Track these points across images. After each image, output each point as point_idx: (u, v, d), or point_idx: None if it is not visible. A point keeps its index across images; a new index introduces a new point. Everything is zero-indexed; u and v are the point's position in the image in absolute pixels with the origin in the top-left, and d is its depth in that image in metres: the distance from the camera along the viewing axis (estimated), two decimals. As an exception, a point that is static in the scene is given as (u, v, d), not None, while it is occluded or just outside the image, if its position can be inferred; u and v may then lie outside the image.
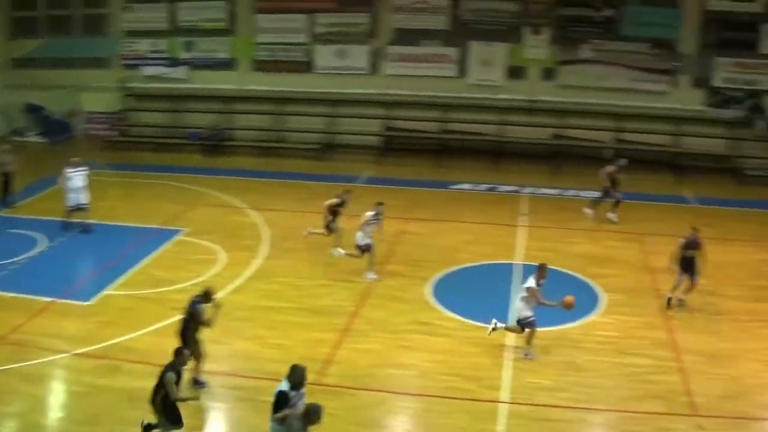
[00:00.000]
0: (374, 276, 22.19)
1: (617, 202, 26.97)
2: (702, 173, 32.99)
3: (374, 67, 36.22)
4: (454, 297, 20.94)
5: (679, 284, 20.66)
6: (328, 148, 35.97)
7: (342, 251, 23.18)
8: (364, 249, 22.11)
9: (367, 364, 17.25)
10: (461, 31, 34.89)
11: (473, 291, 21.58)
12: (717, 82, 33.72)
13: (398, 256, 23.76)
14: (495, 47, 34.72)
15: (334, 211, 23.44)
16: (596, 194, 27.45)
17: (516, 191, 30.29)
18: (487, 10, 34.54)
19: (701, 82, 33.87)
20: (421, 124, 35.82)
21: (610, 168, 26.76)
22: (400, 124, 36.33)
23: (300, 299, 20.73)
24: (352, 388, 15.11)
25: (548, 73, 34.80)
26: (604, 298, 21.21)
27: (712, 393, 16.80)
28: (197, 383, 16.18)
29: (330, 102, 36.53)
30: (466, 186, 30.81)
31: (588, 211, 27.31)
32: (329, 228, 23.48)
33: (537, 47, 34.39)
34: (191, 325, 15.80)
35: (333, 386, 16.34)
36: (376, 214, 22.29)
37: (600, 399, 16.41)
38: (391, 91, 35.79)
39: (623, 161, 27.10)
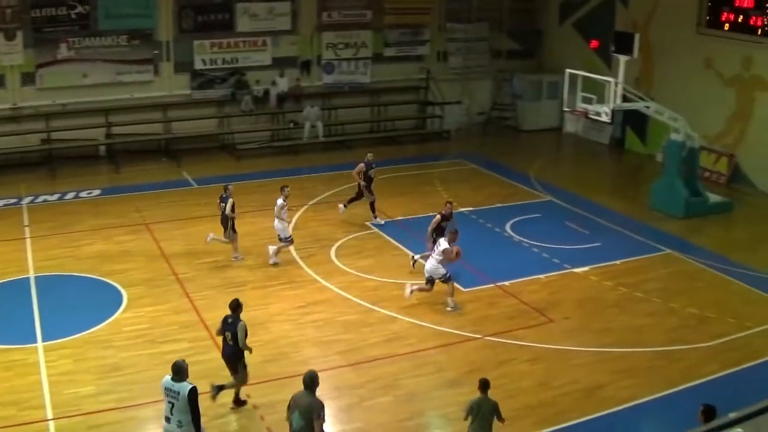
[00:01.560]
0: (277, 260, 23.07)
1: (358, 198, 26.54)
2: (198, 154, 33.54)
3: None
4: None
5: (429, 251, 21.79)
6: None
7: (273, 247, 23.21)
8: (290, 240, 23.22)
9: None
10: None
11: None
12: (199, 64, 34.34)
13: None
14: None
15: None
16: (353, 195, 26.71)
17: (15, 203, 28.50)
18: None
19: (184, 66, 34.29)
20: None
21: (360, 165, 26.15)
22: None
23: None
24: None
25: (28, 78, 32.99)
26: (125, 293, 20.94)
27: (253, 361, 17.22)
28: None
29: None
30: (-41, 208, 28.42)
31: (341, 206, 26.55)
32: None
33: (12, 53, 32.43)
34: None
35: None
36: (286, 198, 22.81)
37: (146, 393, 16.22)
38: None
39: (370, 155, 26.64)
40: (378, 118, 38.42)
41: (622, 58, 27.00)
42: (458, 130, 39.16)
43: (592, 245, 25.00)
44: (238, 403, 16.19)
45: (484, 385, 13.59)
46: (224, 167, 32.41)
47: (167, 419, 13.03)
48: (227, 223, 23.12)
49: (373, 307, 20.43)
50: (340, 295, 21.09)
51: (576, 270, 23.14)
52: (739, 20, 31.05)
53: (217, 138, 35.19)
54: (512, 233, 25.64)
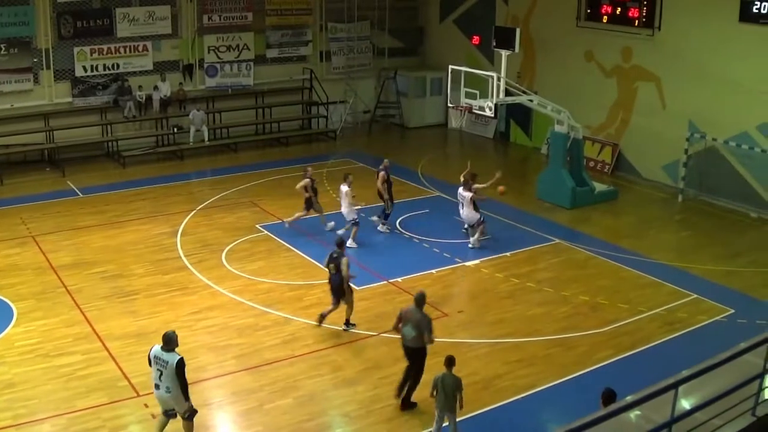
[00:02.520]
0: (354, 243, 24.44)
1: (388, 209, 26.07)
2: (83, 163, 32.85)
3: None
4: None
5: None
6: None
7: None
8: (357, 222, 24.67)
9: None
10: None
11: None
12: (80, 71, 33.58)
13: None
14: None
15: (314, 189, 25.26)
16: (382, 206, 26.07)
17: None
18: None
19: (64, 74, 33.52)
20: None
21: (381, 173, 25.54)
22: None
23: None
24: None
25: None
26: (15, 308, 20.34)
27: (148, 370, 16.76)
28: None
29: None
30: None
31: (378, 221, 26.16)
32: (314, 208, 25.50)
33: None
34: None
35: None
36: (350, 184, 24.48)
37: (42, 408, 15.92)
38: None
39: (387, 161, 26.13)
40: (263, 120, 38.19)
41: (504, 53, 27.45)
42: (344, 130, 39.28)
43: (481, 238, 25.31)
44: (348, 324, 19.32)
45: (449, 361, 14.37)
46: (110, 175, 31.86)
47: (156, 386, 14.20)
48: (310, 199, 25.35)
49: (267, 309, 20.35)
50: (233, 299, 20.95)
51: (467, 263, 23.45)
52: (618, 12, 31.81)
53: (101, 146, 34.50)
54: (402, 230, 25.81)
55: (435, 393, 14.42)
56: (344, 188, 24.35)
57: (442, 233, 25.35)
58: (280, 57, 38.50)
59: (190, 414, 14.32)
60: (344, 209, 24.56)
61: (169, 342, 14.05)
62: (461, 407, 14.50)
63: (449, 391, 14.25)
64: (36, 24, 32.41)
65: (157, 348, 14.13)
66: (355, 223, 24.49)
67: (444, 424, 14.68)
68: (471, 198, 24.16)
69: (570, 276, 22.75)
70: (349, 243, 23.84)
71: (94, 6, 33.64)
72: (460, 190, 24.45)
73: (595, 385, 13.85)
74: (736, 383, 10.00)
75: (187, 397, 14.14)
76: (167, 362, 13.91)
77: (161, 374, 14.04)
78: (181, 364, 13.89)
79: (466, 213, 24.43)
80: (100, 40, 33.88)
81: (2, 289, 21.36)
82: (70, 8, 33.07)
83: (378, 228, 25.95)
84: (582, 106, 31.42)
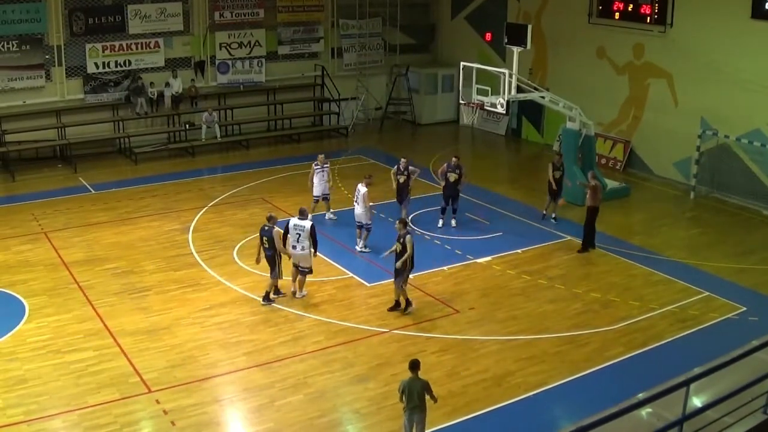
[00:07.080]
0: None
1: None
2: (95, 159, 32.93)
3: None
4: None
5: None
6: None
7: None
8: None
9: None
10: None
11: None
12: (91, 68, 33.63)
13: None
14: None
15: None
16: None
17: None
18: None
19: (76, 70, 33.58)
20: None
21: (442, 166, 25.95)
22: None
23: None
24: None
25: None
26: (27, 304, 20.36)
27: (159, 367, 17.21)
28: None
29: None
30: None
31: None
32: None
33: None
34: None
35: None
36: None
37: (53, 404, 15.94)
38: None
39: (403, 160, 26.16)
40: (275, 116, 38.23)
41: (516, 50, 27.35)
42: (355, 126, 39.28)
43: (493, 235, 25.32)
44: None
45: (413, 365, 13.78)
46: (121, 171, 31.95)
47: (294, 247, 20.04)
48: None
49: (279, 306, 20.34)
50: (245, 295, 20.94)
51: (479, 260, 23.40)
52: (630, 9, 31.75)
53: (112, 142, 34.58)
54: (414, 226, 25.73)
55: (403, 398, 13.83)
56: (362, 189, 23.53)
57: (454, 230, 25.33)
58: (291, 54, 38.55)
59: (309, 271, 20.33)
60: (359, 210, 23.73)
61: (303, 213, 20.35)
62: (435, 401, 14.02)
63: (416, 395, 13.69)
64: (48, 20, 32.47)
65: (294, 219, 20.15)
66: (368, 229, 23.98)
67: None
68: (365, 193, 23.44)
69: (581, 273, 22.72)
70: (360, 247, 23.96)
71: (105, 3, 33.69)
72: (360, 185, 23.77)
73: (605, 382, 13.83)
74: (747, 381, 9.97)
75: (316, 253, 20.32)
76: (304, 227, 19.91)
77: (299, 236, 19.91)
78: (313, 227, 20.05)
79: (360, 211, 23.79)
80: (112, 37, 33.95)
81: (14, 285, 21.42)
82: (81, 5, 33.15)
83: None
84: (594, 103, 31.37)
